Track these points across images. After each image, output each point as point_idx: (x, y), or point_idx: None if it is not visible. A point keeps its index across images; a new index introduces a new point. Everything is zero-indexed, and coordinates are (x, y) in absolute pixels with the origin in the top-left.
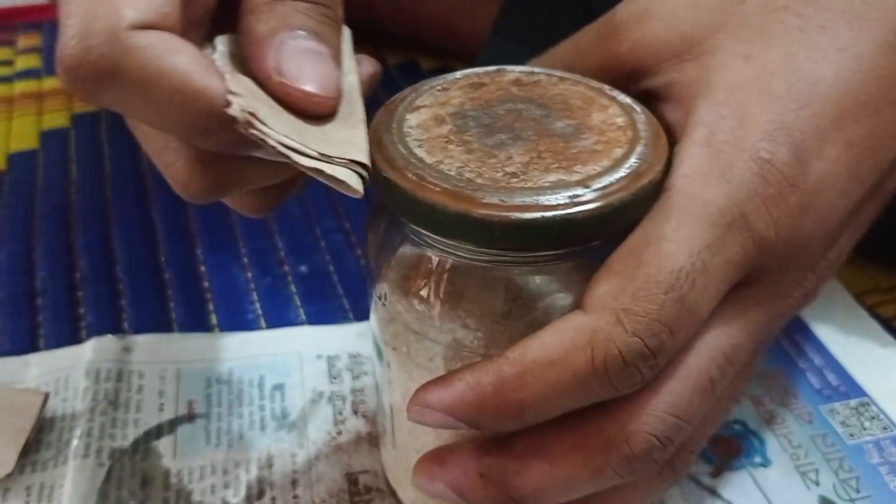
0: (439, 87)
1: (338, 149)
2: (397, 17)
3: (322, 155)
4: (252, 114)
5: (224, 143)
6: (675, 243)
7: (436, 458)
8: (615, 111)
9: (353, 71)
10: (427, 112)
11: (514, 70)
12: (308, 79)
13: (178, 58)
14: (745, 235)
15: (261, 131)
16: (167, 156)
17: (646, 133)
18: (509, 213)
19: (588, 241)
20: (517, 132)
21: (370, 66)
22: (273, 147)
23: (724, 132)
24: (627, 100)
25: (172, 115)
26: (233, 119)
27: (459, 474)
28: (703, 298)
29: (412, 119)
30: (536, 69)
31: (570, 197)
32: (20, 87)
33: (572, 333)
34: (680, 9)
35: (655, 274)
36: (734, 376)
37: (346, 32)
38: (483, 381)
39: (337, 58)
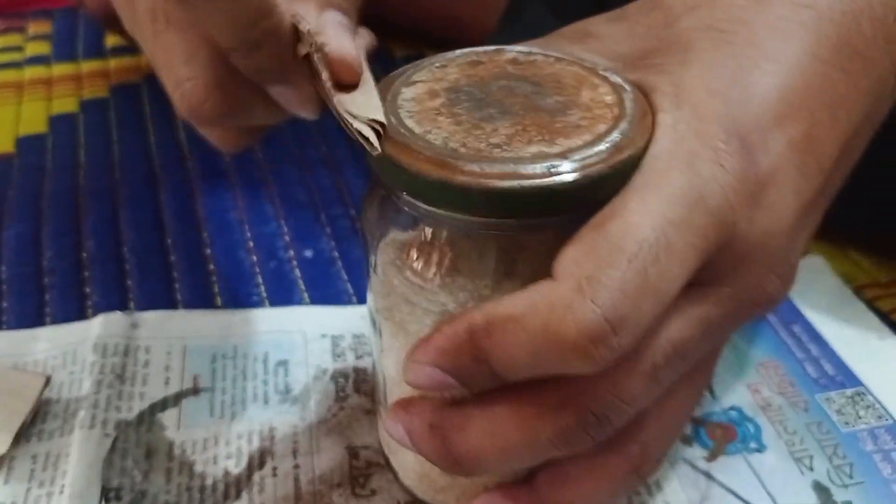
0: (438, 64)
1: (359, 109)
2: (405, 10)
3: (347, 112)
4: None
5: (264, 64)
6: (640, 215)
7: (402, 404)
8: (605, 90)
9: (361, 46)
10: (423, 87)
11: (513, 50)
12: (346, 49)
13: None
14: (707, 220)
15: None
16: (188, 70)
17: (632, 111)
18: (488, 181)
19: (569, 212)
20: (506, 107)
21: (368, 37)
22: (325, 81)
23: (684, 120)
24: (619, 80)
25: (244, 20)
26: (285, 41)
27: (416, 421)
28: (667, 276)
29: (407, 92)
30: (535, 49)
31: (548, 167)
32: (30, 72)
33: (535, 296)
34: (614, 32)
35: (619, 243)
36: (689, 373)
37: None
38: (458, 329)
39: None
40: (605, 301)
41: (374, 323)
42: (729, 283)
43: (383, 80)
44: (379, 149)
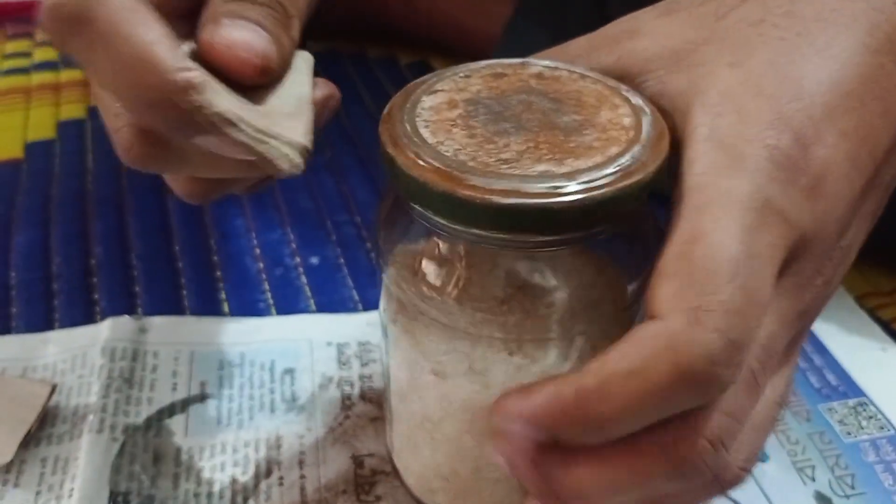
0: (462, 74)
1: (281, 130)
2: (411, 18)
3: (260, 132)
4: (197, 83)
5: (168, 122)
6: (720, 234)
7: (502, 434)
8: (625, 111)
9: (306, 84)
10: (443, 96)
11: (538, 64)
12: (242, 45)
13: (147, 26)
14: (777, 217)
15: (201, 100)
16: (115, 120)
17: (648, 135)
18: (491, 197)
19: (574, 231)
20: (522, 122)
21: (326, 88)
22: (211, 115)
23: (725, 128)
24: (640, 101)
25: (126, 79)
26: (179, 94)
27: (517, 454)
28: (762, 282)
29: (427, 101)
30: (560, 65)
31: (552, 187)
32: (38, 78)
33: (651, 341)
34: (665, 26)
35: (713, 267)
36: (774, 376)
37: (307, 56)
38: (564, 392)
39: (278, 44)
40: (722, 325)
41: (384, 331)
42: (793, 273)
43: (403, 89)
44: (301, 167)
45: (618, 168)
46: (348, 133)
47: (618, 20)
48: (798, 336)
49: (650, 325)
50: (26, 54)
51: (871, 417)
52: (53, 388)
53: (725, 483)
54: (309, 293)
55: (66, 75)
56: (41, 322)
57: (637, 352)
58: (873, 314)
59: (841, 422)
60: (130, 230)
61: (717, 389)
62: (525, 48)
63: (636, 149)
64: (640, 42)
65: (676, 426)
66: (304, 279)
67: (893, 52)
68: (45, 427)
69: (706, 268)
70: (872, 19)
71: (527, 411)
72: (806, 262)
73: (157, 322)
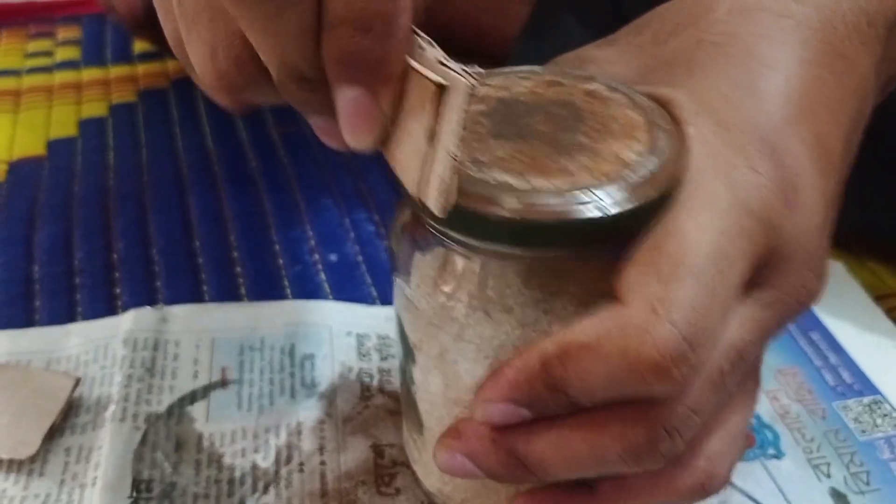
0: (521, 75)
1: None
2: (425, 18)
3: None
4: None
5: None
6: (694, 231)
7: (452, 432)
8: (640, 147)
9: None
10: (484, 90)
11: (599, 82)
12: None
13: None
14: (753, 224)
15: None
16: (212, 41)
17: (641, 175)
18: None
19: (555, 246)
20: (527, 132)
21: None
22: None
23: (709, 129)
24: (665, 145)
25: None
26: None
27: (474, 442)
28: (728, 285)
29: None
30: (622, 87)
31: (522, 202)
32: (60, 77)
33: (607, 322)
34: (608, 55)
35: (682, 260)
36: (743, 377)
37: None
38: (530, 362)
39: None
40: (680, 319)
41: (402, 340)
42: (775, 285)
43: None
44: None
45: (565, 198)
46: None
47: (563, 55)
48: (762, 353)
49: (613, 308)
50: (48, 53)
51: (885, 415)
52: (77, 381)
53: (711, 489)
54: (328, 289)
55: (87, 74)
56: (64, 315)
57: (595, 329)
58: (890, 315)
59: (856, 419)
60: (151, 226)
61: (668, 382)
62: (543, 51)
63: (610, 185)
64: (590, 69)
65: (636, 410)
66: (322, 276)
67: (827, 64)
68: (68, 417)
69: (674, 260)
70: (803, 35)
71: (504, 389)
72: (789, 272)
73: (178, 311)
